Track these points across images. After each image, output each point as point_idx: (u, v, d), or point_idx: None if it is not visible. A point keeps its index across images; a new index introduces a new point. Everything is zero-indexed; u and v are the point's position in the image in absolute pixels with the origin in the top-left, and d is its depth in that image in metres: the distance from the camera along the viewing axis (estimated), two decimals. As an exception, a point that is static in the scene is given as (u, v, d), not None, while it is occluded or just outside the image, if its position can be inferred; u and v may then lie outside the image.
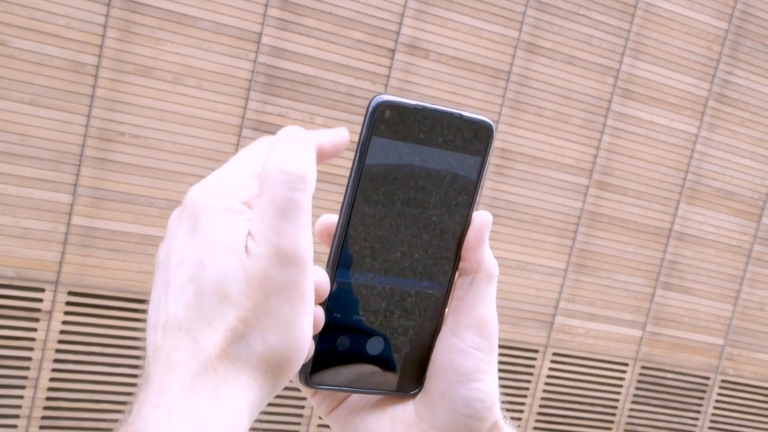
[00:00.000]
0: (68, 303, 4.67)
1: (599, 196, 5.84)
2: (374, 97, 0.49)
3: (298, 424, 5.33)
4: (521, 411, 5.83)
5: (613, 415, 6.18)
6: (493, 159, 5.52)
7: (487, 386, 0.53)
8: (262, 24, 4.85)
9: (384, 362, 0.54)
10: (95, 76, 4.55)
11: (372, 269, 0.52)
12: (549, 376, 5.91)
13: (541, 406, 5.91)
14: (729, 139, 6.11)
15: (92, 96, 4.56)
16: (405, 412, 0.55)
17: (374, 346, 0.54)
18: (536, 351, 5.84)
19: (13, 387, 4.64)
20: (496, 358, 0.54)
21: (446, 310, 0.55)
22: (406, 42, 5.20)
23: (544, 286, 5.80)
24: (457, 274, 0.54)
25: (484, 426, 0.53)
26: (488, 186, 5.53)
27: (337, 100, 5.07)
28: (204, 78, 4.77)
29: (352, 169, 0.49)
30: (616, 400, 6.17)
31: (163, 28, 4.65)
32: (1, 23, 4.34)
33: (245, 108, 4.88)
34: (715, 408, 6.47)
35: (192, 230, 0.46)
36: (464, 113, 0.51)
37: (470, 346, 0.53)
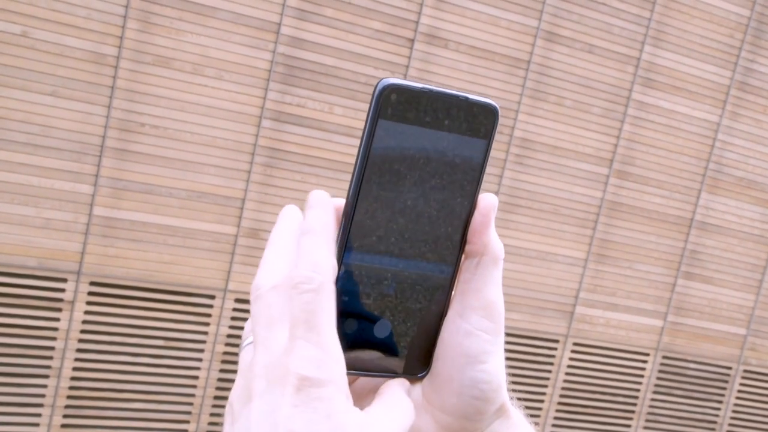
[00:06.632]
0: (90, 293, 4.70)
1: (620, 185, 5.81)
2: (380, 80, 0.49)
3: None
4: (542, 401, 5.82)
5: (635, 405, 6.15)
6: (512, 149, 5.50)
7: (494, 368, 0.54)
8: (281, 14, 4.85)
9: (391, 345, 0.54)
10: (115, 67, 4.57)
11: (379, 252, 0.52)
12: (570, 366, 5.89)
13: (561, 396, 5.89)
14: (751, 127, 6.05)
15: (113, 87, 4.58)
16: (412, 395, 0.56)
17: (381, 329, 0.54)
18: (557, 341, 5.82)
19: (36, 376, 4.68)
20: (502, 340, 0.55)
21: (453, 293, 0.55)
22: (425, 31, 5.18)
23: (564, 276, 5.77)
24: (463, 256, 0.55)
25: (491, 407, 0.54)
26: (508, 176, 5.51)
27: (356, 90, 5.06)
28: (223, 68, 4.78)
29: (358, 152, 0.50)
30: (638, 390, 6.14)
31: (183, 19, 4.66)
32: (22, 15, 4.37)
33: (264, 98, 4.89)
34: (738, 398, 6.42)
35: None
36: (470, 96, 0.51)
37: (477, 328, 0.53)
